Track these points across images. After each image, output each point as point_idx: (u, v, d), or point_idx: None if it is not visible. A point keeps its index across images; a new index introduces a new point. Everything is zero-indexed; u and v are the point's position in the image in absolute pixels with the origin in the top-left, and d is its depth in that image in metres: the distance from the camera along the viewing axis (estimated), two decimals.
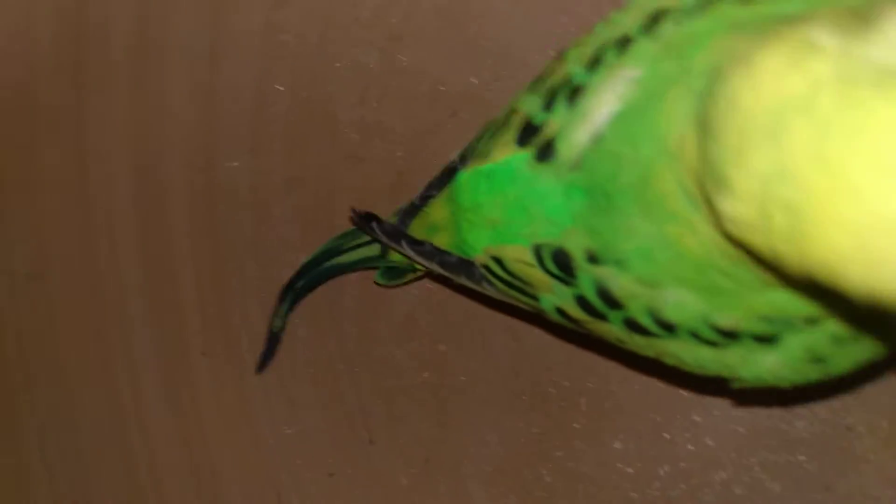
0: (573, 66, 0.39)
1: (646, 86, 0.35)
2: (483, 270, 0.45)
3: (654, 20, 0.36)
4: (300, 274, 0.58)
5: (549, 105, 0.40)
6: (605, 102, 0.37)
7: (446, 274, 0.48)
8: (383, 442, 0.58)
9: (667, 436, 0.55)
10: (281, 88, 0.59)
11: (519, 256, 0.42)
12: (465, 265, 0.46)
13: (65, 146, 0.61)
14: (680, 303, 0.36)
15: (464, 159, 0.46)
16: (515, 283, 0.43)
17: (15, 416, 0.62)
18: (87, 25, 0.60)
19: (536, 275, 0.41)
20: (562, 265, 0.40)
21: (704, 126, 0.27)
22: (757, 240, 0.26)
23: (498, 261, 0.43)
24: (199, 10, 0.59)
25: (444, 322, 0.58)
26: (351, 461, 0.59)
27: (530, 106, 0.41)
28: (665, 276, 0.36)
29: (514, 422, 0.57)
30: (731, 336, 0.36)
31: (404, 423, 0.58)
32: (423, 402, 0.58)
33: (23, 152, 0.62)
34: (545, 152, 0.40)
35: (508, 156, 0.42)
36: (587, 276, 0.39)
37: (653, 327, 0.38)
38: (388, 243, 0.50)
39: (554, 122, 0.40)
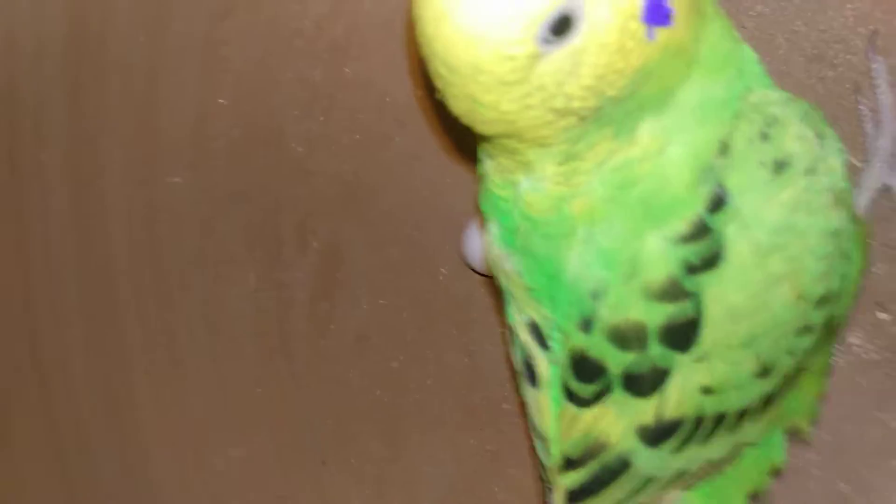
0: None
1: None
2: None
3: None
4: None
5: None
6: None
7: None
8: (335, 463, 0.57)
9: None
10: (223, 102, 0.58)
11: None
12: None
13: None
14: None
15: None
16: None
17: None
18: (21, 40, 0.58)
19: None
20: (586, 373, 0.39)
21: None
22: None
23: None
24: (137, 24, 0.57)
25: (396, 339, 0.57)
26: (302, 483, 0.57)
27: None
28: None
29: (468, 439, 0.56)
30: None
31: (356, 443, 0.57)
32: (376, 421, 0.57)
33: None
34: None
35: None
36: (600, 344, 0.38)
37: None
38: None
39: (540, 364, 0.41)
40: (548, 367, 0.40)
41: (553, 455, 0.42)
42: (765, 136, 0.35)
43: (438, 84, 0.33)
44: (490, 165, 0.38)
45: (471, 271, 0.56)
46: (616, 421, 0.39)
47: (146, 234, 0.59)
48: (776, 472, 0.45)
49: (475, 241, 0.55)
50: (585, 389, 0.39)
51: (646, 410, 0.39)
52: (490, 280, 0.56)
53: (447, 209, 0.56)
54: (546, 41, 0.31)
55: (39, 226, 0.60)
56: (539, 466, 0.43)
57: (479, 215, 0.41)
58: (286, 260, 0.58)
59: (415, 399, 0.57)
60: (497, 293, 0.56)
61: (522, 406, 0.55)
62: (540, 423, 0.42)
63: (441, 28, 0.31)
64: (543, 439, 0.42)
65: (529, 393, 0.42)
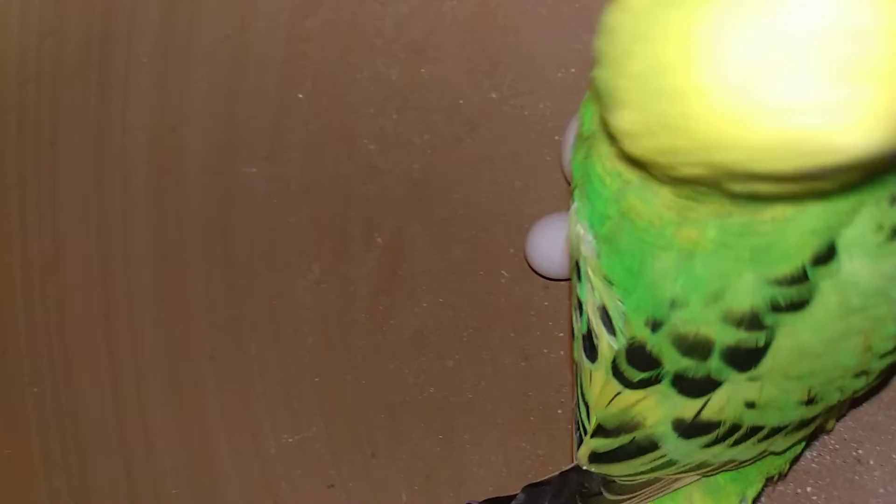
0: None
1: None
2: None
3: None
4: None
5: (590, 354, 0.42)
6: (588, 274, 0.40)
7: None
8: (385, 456, 0.57)
9: None
10: (301, 97, 0.59)
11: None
12: None
13: (84, 143, 0.62)
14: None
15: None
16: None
17: (19, 408, 0.62)
18: (113, 25, 0.60)
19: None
20: (640, 362, 0.39)
21: (595, 62, 0.29)
22: (651, 144, 0.28)
23: None
24: (225, 17, 0.59)
25: (453, 338, 0.58)
26: (351, 474, 0.58)
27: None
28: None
29: (519, 442, 0.56)
30: None
31: (408, 439, 0.57)
32: (428, 418, 0.57)
33: (43, 147, 0.62)
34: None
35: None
36: (661, 344, 0.38)
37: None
38: None
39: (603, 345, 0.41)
40: (609, 348, 0.41)
41: (593, 421, 0.43)
42: (894, 200, 0.34)
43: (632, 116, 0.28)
44: (603, 147, 0.36)
45: (532, 274, 0.56)
46: (655, 407, 0.40)
47: (220, 221, 0.61)
48: (796, 459, 0.46)
49: (539, 243, 0.55)
50: (635, 374, 0.39)
51: (687, 407, 0.39)
52: (551, 284, 0.56)
53: (512, 212, 0.57)
54: None
55: (118, 207, 0.62)
56: (575, 421, 0.44)
57: (570, 180, 0.40)
58: (351, 254, 0.59)
59: (468, 399, 0.57)
60: (557, 297, 0.56)
61: (571, 404, 0.55)
62: (588, 392, 0.43)
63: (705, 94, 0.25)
64: (588, 406, 0.43)
65: (585, 363, 0.42)
